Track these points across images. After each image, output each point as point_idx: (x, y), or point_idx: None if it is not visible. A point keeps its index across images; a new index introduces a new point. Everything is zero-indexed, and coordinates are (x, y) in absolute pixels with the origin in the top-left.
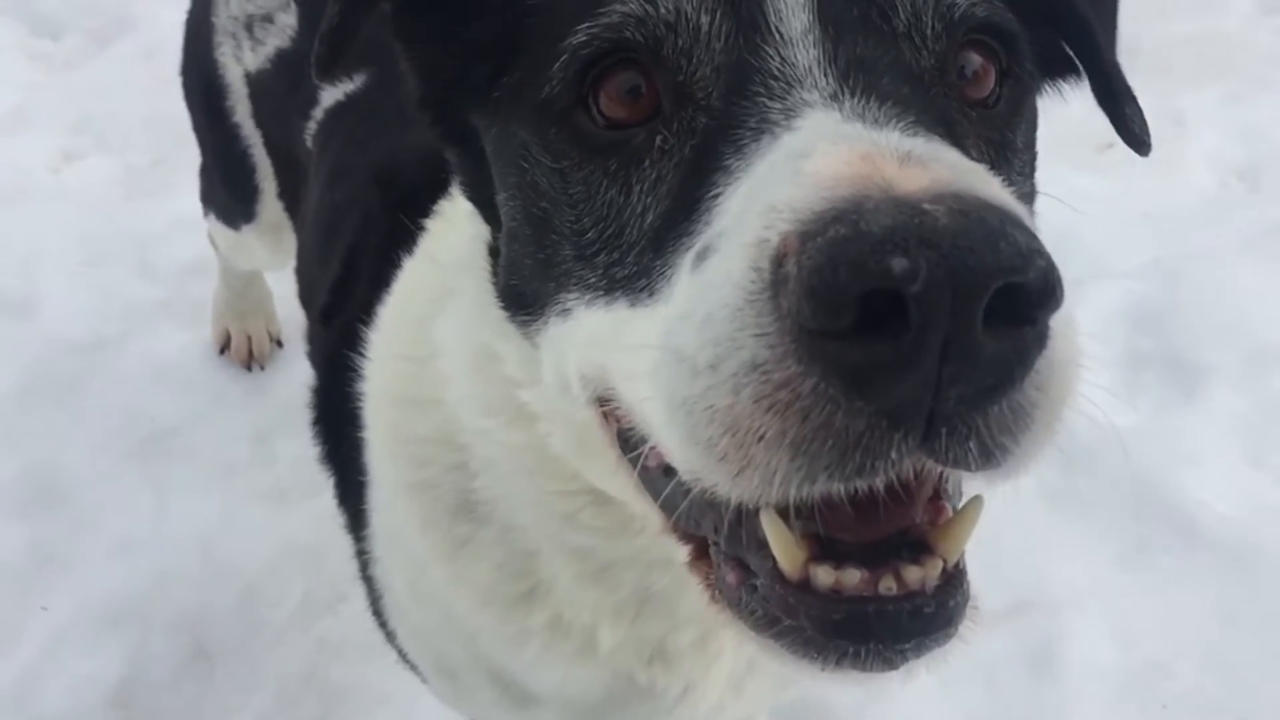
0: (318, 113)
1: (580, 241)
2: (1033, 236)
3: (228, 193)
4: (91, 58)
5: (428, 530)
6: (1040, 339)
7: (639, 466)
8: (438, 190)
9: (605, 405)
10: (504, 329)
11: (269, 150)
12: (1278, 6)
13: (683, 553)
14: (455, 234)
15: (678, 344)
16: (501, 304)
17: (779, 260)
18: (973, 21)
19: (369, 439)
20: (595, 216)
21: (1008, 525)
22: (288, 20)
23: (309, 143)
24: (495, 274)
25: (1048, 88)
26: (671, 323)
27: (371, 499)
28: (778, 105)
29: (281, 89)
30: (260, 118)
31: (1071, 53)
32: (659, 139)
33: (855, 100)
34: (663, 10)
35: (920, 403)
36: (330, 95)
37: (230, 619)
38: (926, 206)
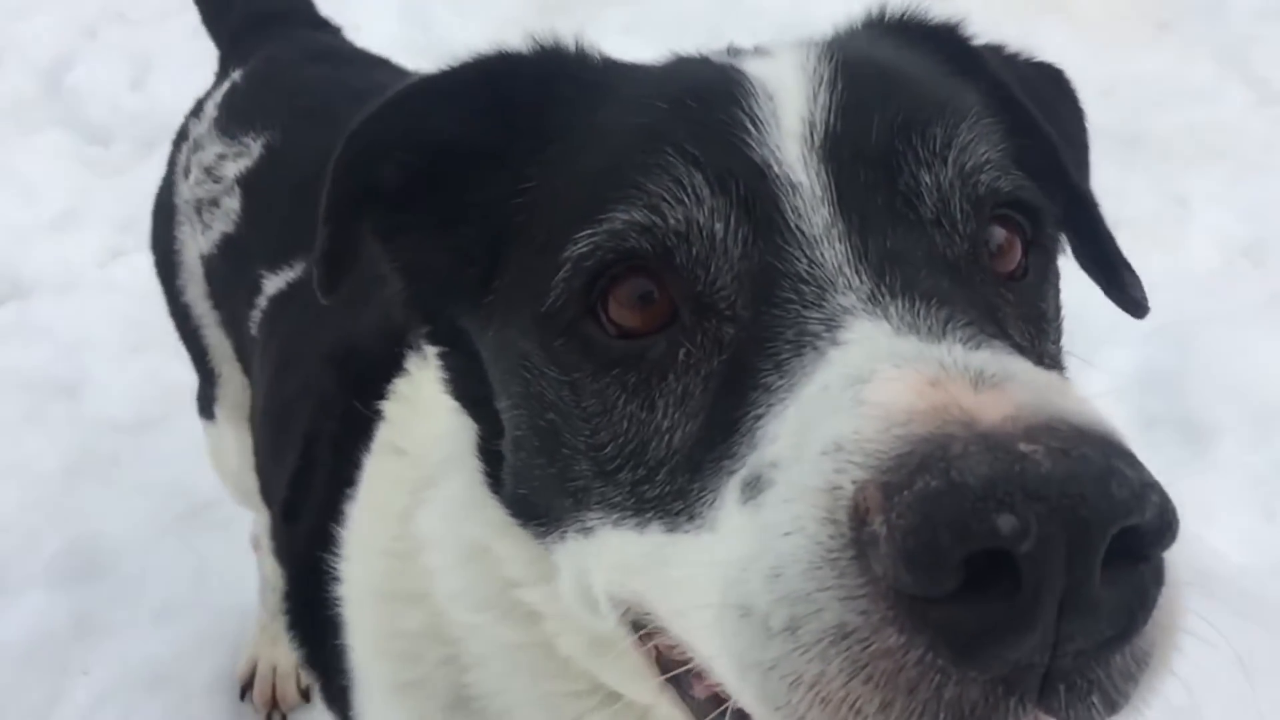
0: (262, 300)
1: (599, 457)
2: (1141, 467)
3: (195, 371)
4: (138, 162)
5: None
6: (1158, 576)
7: (682, 692)
8: (394, 367)
9: (642, 629)
10: (503, 529)
11: (229, 332)
12: (1271, 99)
13: None
14: (419, 420)
15: (743, 598)
16: (510, 512)
17: (860, 515)
18: (1000, 198)
19: (352, 640)
20: (613, 431)
21: None
22: (232, 204)
23: (254, 331)
24: (492, 474)
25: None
26: (731, 569)
27: (358, 704)
28: (815, 314)
29: (228, 273)
30: (216, 299)
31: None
32: (682, 352)
33: (899, 303)
34: (671, 221)
35: (1036, 664)
36: (273, 283)
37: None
38: (1024, 448)
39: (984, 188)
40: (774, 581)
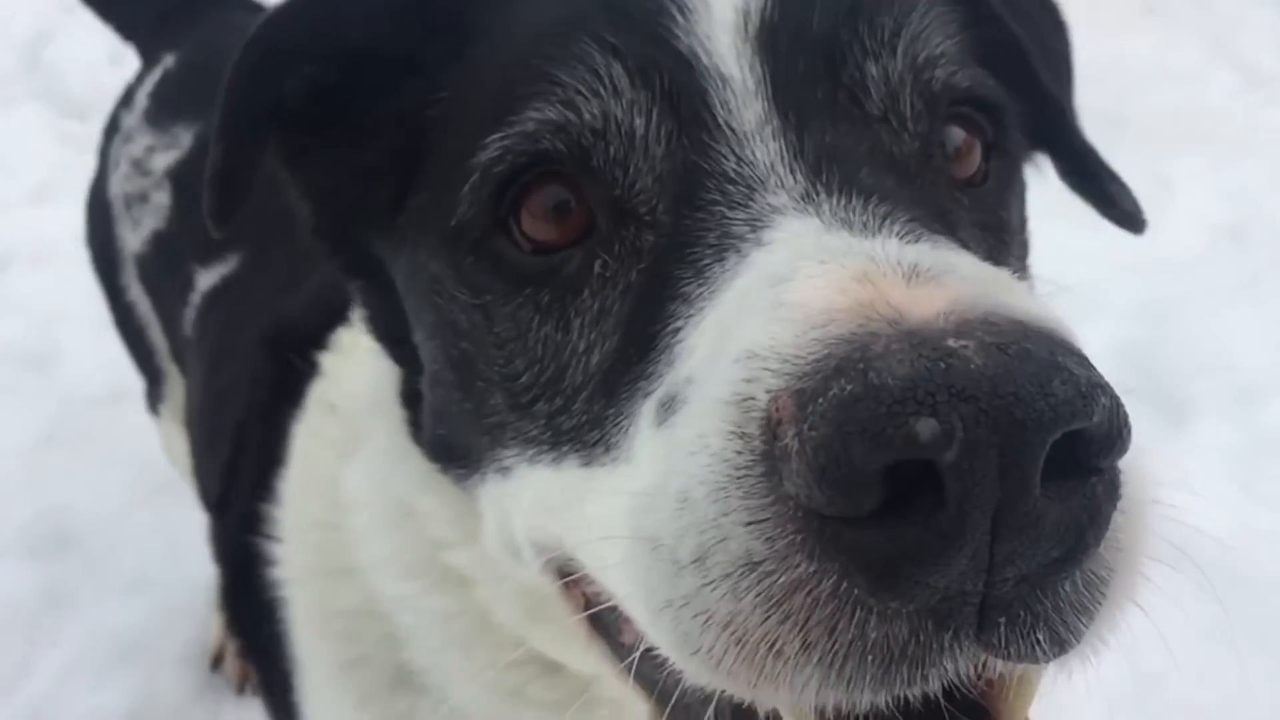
0: (195, 298)
1: (513, 388)
2: (1089, 364)
3: (138, 369)
4: None
5: (365, 707)
6: (1112, 491)
7: (611, 641)
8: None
9: (567, 575)
10: (427, 482)
11: (166, 332)
12: (1257, 83)
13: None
14: (354, 372)
15: (651, 529)
16: (429, 456)
17: (772, 428)
18: (955, 94)
19: (292, 622)
20: (529, 358)
21: None
22: (162, 199)
23: (188, 330)
24: (414, 421)
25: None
26: (640, 498)
27: (301, 687)
28: (740, 215)
29: (160, 271)
30: (153, 300)
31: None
32: (598, 264)
33: (835, 201)
34: (587, 116)
35: (969, 592)
36: (206, 279)
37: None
38: (952, 344)
39: (938, 83)
40: (681, 508)
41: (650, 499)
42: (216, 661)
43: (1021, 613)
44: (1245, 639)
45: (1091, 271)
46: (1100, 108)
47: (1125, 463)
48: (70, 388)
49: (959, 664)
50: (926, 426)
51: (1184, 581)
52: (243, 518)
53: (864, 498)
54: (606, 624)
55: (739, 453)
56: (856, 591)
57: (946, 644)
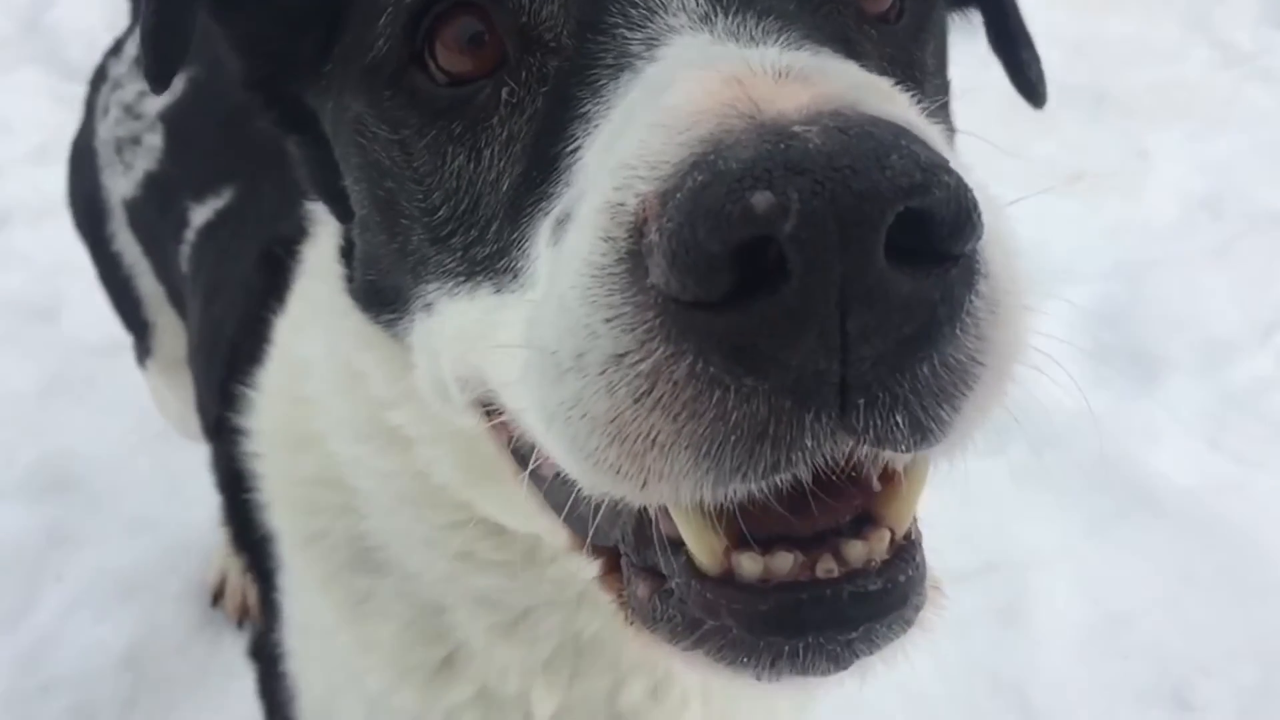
0: (189, 234)
1: (432, 222)
2: (934, 151)
3: (124, 324)
4: None
5: (328, 588)
6: (968, 274)
7: (535, 478)
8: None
9: (491, 413)
10: (365, 338)
11: (160, 276)
12: (1235, 59)
13: (593, 569)
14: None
15: (539, 338)
16: (362, 306)
17: (639, 228)
18: None
19: (263, 496)
20: (445, 191)
21: (976, 500)
22: (154, 141)
23: (184, 267)
24: (350, 274)
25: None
26: (531, 311)
27: (282, 580)
28: (638, 35)
29: (152, 213)
30: (144, 246)
31: None
32: (506, 91)
33: (729, 19)
34: None
35: (824, 370)
36: (200, 214)
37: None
38: (797, 129)
39: None
40: (560, 314)
41: (538, 310)
42: (216, 598)
43: (880, 394)
44: (1211, 581)
45: (1070, 238)
46: (1081, 83)
47: (993, 261)
48: (72, 338)
49: (824, 447)
50: (763, 199)
51: (1154, 528)
52: (238, 433)
53: (716, 281)
54: (526, 458)
55: (604, 255)
56: (713, 370)
57: (808, 423)
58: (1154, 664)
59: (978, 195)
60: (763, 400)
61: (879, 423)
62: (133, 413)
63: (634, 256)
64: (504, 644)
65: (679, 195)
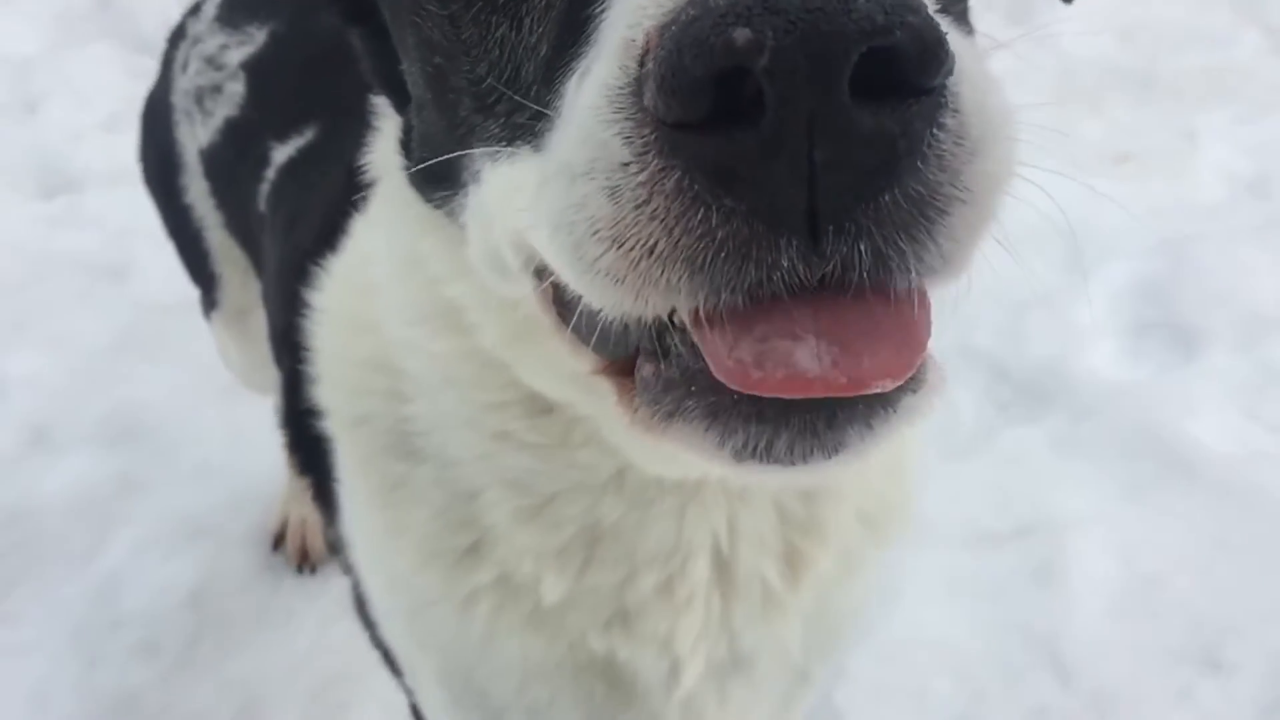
0: (269, 173)
1: (479, 90)
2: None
3: (192, 278)
4: None
5: (365, 471)
6: (930, 110)
7: (562, 304)
8: None
9: (542, 274)
10: (425, 224)
11: (232, 225)
12: None
13: (611, 391)
14: None
15: (558, 157)
16: (418, 189)
17: (642, 58)
18: None
19: (317, 376)
20: (490, 60)
21: (1014, 466)
22: (236, 88)
23: (261, 206)
24: (409, 164)
25: None
26: (555, 140)
27: (339, 472)
28: None
29: (231, 156)
30: (219, 196)
31: None
32: None
33: None
34: None
35: (794, 195)
36: (282, 153)
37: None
38: None
39: None
40: (577, 130)
41: (561, 134)
42: (277, 542)
43: (846, 224)
44: (1244, 547)
45: (1115, 216)
46: (1130, 66)
47: (965, 96)
48: (142, 296)
49: (799, 269)
50: (741, 34)
51: (1189, 494)
52: (305, 345)
53: (696, 104)
54: (571, 310)
55: (616, 79)
56: (697, 188)
57: (782, 245)
58: (1185, 624)
59: (948, 35)
60: (742, 222)
61: (844, 249)
62: (199, 367)
63: (638, 83)
64: (526, 528)
65: (673, 28)
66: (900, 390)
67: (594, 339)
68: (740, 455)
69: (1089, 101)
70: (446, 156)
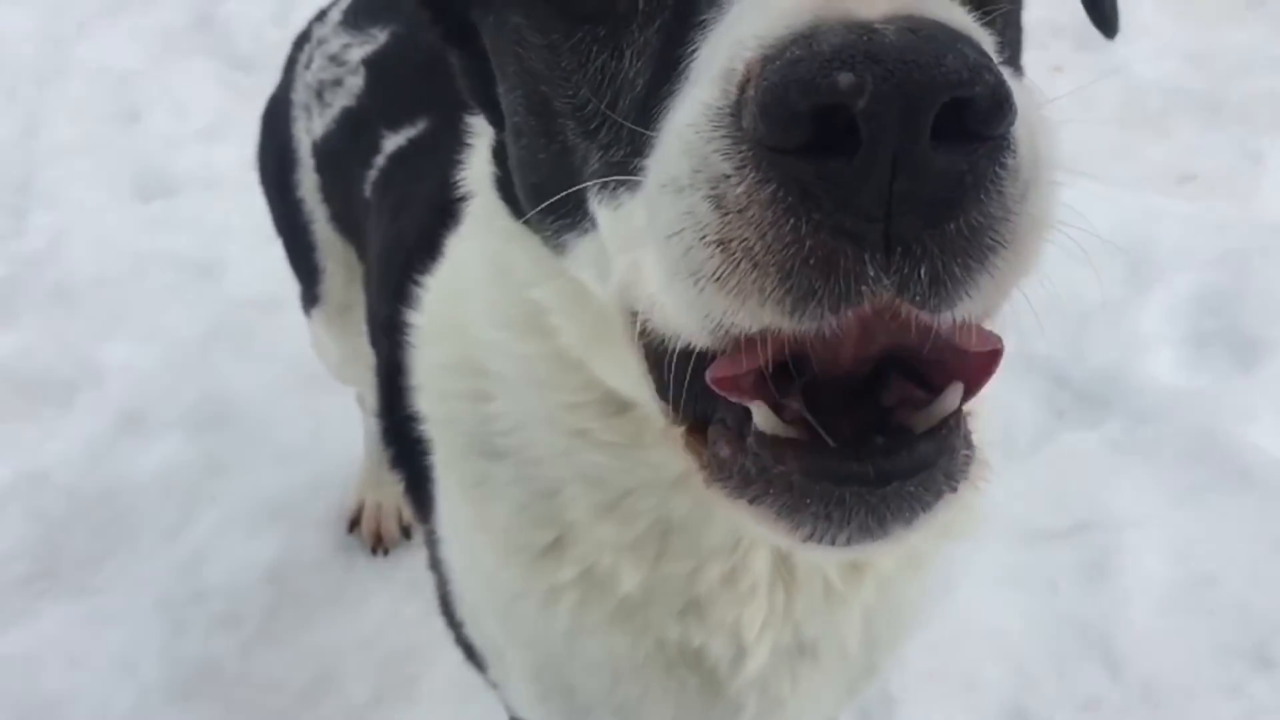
0: (379, 160)
1: (582, 115)
2: (981, 53)
3: (295, 272)
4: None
5: (449, 468)
6: (995, 152)
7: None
8: None
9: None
10: (512, 233)
11: (339, 223)
12: None
13: (680, 436)
14: None
15: (662, 172)
16: (515, 210)
17: (742, 86)
18: None
19: (415, 386)
20: (591, 86)
21: (1071, 468)
22: (355, 81)
23: (368, 193)
24: (504, 181)
25: None
26: (656, 163)
27: (435, 471)
28: None
29: (344, 143)
30: (326, 190)
31: None
32: (643, 1)
33: None
34: None
35: (874, 218)
36: (393, 142)
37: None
38: (877, 26)
39: None
40: (680, 144)
41: (661, 154)
42: (353, 525)
43: (914, 247)
44: None
45: (1177, 233)
46: (1198, 89)
47: (1022, 142)
48: (232, 293)
49: (879, 285)
50: (845, 79)
51: (1245, 497)
52: (403, 329)
53: (794, 132)
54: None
55: (717, 100)
56: (790, 199)
57: (866, 261)
58: (1238, 622)
59: (1013, 90)
60: (828, 234)
61: (907, 269)
62: (284, 360)
63: (738, 107)
64: (603, 522)
65: (777, 62)
66: (940, 488)
67: (681, 400)
68: (805, 541)
69: (1155, 124)
70: (557, 196)
